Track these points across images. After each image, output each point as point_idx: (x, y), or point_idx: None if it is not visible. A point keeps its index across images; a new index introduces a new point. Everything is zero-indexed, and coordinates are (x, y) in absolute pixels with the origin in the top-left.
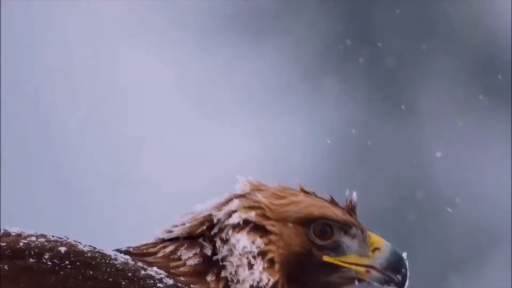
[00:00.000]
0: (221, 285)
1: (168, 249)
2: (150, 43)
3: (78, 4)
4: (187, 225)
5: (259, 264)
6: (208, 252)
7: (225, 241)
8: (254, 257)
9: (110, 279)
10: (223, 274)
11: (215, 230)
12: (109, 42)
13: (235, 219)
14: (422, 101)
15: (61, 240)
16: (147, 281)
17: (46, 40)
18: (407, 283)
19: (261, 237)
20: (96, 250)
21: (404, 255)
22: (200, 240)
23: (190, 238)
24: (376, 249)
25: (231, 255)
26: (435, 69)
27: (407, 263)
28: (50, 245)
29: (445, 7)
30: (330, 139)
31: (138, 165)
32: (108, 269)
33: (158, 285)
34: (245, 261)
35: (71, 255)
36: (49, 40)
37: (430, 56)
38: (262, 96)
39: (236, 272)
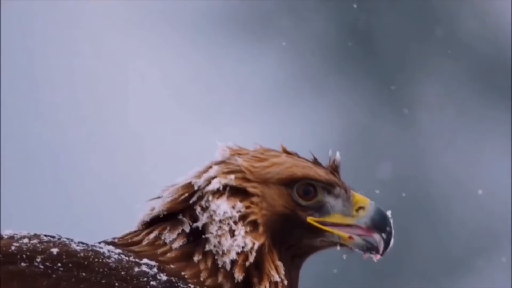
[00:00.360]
0: (209, 262)
1: (152, 235)
2: (149, 43)
3: (78, 4)
4: (168, 199)
5: (240, 229)
6: (187, 228)
7: (205, 209)
8: (235, 222)
9: (103, 281)
10: (207, 248)
11: (195, 198)
12: (109, 43)
13: (214, 185)
14: (422, 101)
15: (54, 240)
16: (141, 279)
17: (46, 40)
18: (392, 242)
19: (241, 201)
20: (90, 248)
21: (389, 213)
22: (180, 216)
23: (172, 215)
24: (360, 208)
25: (211, 223)
26: (435, 69)
27: (391, 222)
28: (43, 246)
29: (445, 7)
30: (330, 139)
31: (138, 165)
32: (101, 269)
33: (152, 283)
34: (226, 228)
35: (64, 256)
36: (49, 40)
37: (430, 56)
38: (262, 96)
39: (219, 242)
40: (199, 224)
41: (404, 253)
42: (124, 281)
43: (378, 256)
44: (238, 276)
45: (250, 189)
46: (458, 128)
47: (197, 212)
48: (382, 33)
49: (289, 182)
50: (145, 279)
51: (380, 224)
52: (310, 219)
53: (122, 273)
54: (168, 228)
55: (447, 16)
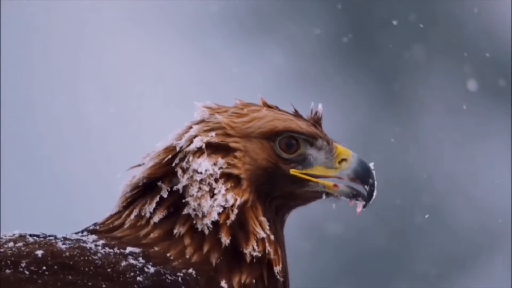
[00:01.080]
0: (191, 233)
1: (133, 216)
2: (149, 43)
3: (78, 4)
4: (150, 164)
5: (221, 187)
6: (165, 194)
7: (185, 170)
8: (216, 180)
9: (89, 283)
10: (185, 211)
11: (177, 160)
12: (108, 43)
13: (196, 143)
14: (422, 101)
15: (40, 240)
16: (128, 275)
17: (46, 40)
18: (375, 194)
19: (223, 157)
20: (76, 245)
21: (371, 165)
22: (159, 183)
23: (152, 187)
24: (343, 160)
25: (192, 185)
26: (435, 69)
27: (374, 174)
28: (27, 249)
29: (446, 7)
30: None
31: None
32: (87, 269)
33: (138, 278)
34: (206, 188)
35: (49, 258)
36: (48, 40)
37: (430, 56)
38: (262, 95)
39: (199, 204)
40: (180, 186)
41: (404, 253)
42: (111, 281)
43: (363, 204)
44: (225, 240)
45: (232, 144)
46: (458, 128)
47: (178, 174)
48: (382, 33)
49: (271, 136)
50: (132, 274)
51: (363, 176)
52: (293, 171)
53: (109, 270)
54: (148, 201)
55: (447, 16)
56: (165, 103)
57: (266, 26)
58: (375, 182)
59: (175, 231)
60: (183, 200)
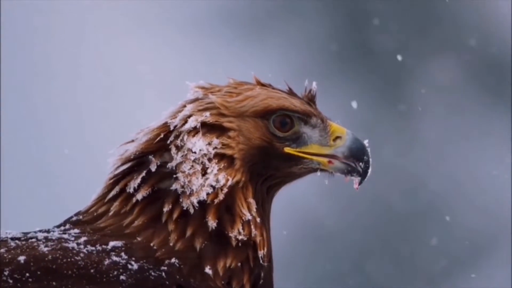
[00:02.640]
0: (172, 206)
1: (117, 201)
2: (148, 43)
3: (77, 4)
4: (143, 139)
5: (213, 167)
6: (153, 167)
7: (179, 148)
8: (210, 159)
9: None
10: (173, 187)
11: (172, 138)
12: (108, 42)
13: (191, 123)
14: (422, 101)
15: (22, 244)
16: (111, 275)
17: (46, 40)
18: (369, 171)
19: (218, 137)
20: (58, 246)
21: (366, 142)
22: (150, 157)
23: (142, 162)
24: (337, 138)
25: (185, 162)
26: (435, 69)
27: (369, 151)
28: (10, 256)
29: (445, 7)
30: None
31: None
32: (70, 271)
33: (121, 277)
34: (198, 167)
35: (31, 264)
36: (49, 40)
37: (430, 56)
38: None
39: (189, 181)
40: (173, 163)
41: (405, 253)
42: (95, 282)
43: (358, 180)
44: (212, 223)
45: (226, 124)
46: (458, 128)
47: (172, 152)
48: (382, 32)
49: (264, 114)
50: (115, 272)
51: (357, 153)
52: (287, 149)
53: (92, 270)
54: (134, 176)
55: (447, 15)
56: (165, 102)
57: (265, 26)
58: (370, 159)
59: (164, 209)
60: (174, 176)
